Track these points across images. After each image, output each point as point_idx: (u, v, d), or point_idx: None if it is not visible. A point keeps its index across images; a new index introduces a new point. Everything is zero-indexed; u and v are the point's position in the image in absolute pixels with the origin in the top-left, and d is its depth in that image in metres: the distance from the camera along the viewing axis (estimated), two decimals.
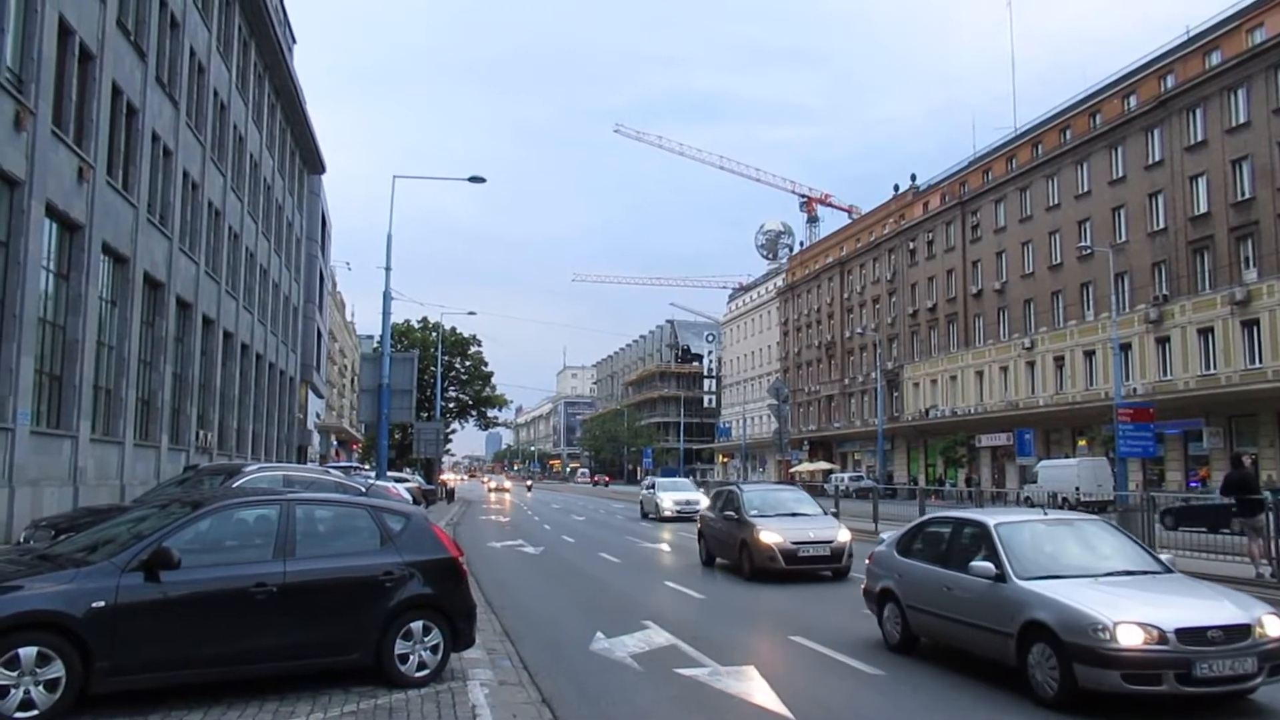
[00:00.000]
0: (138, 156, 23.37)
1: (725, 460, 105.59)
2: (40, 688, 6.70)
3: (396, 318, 68.71)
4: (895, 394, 67.88)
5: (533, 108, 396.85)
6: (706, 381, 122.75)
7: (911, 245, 67.91)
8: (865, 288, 75.29)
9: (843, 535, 16.05)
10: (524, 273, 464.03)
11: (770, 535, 15.71)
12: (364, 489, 12.42)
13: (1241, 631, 7.61)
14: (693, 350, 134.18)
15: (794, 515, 16.74)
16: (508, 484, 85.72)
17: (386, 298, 28.03)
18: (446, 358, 65.95)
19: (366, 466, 52.41)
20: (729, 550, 16.87)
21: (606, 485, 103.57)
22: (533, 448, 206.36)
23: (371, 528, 8.37)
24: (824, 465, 74.03)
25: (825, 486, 48.26)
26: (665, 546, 23.76)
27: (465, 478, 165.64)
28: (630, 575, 17.57)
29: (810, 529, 15.94)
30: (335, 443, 73.77)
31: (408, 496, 21.53)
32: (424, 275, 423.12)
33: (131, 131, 23.11)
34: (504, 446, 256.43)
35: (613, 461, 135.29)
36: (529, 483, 66.97)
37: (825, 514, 17.30)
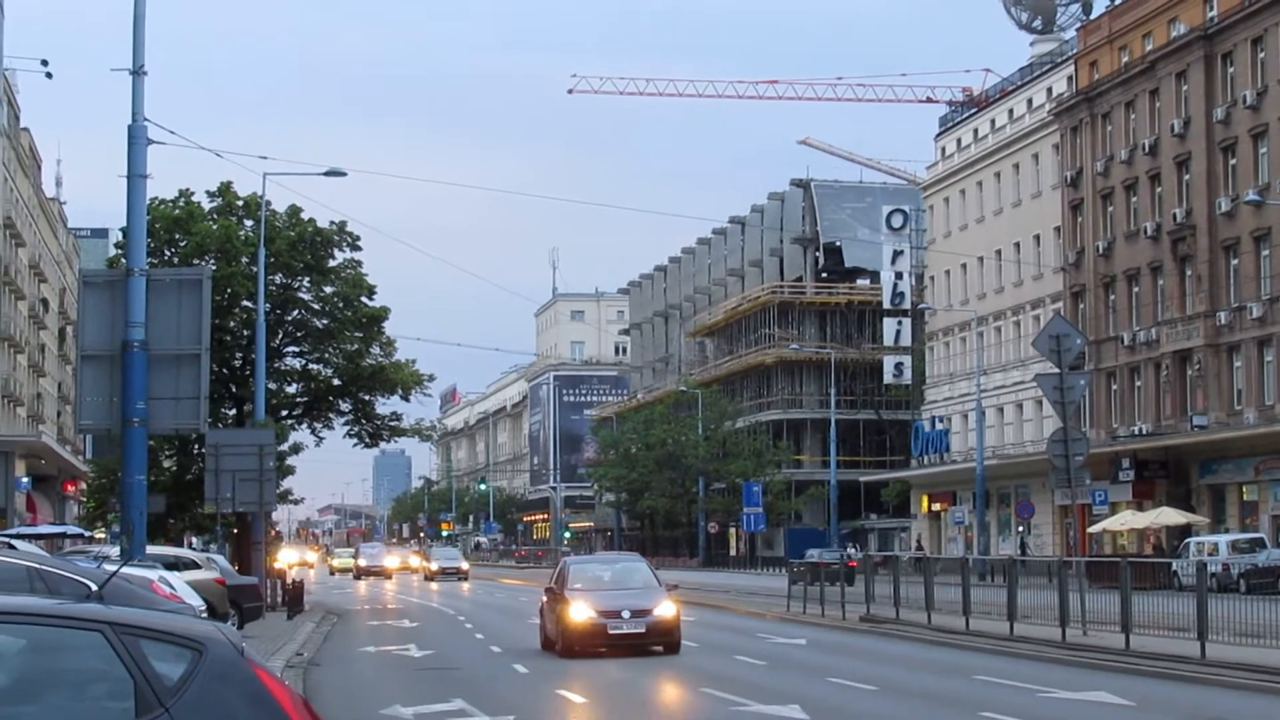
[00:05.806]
0: None
1: (942, 507, 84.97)
2: None
3: (164, 187, 55.38)
4: None
5: None
6: (888, 325, 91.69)
7: None
8: (1265, 92, 61.02)
9: None
10: (464, 87, 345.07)
11: None
12: (93, 586, 10.00)
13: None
14: (847, 258, 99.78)
15: None
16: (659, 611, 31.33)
17: (136, 138, 23.02)
18: (281, 278, 52.64)
19: (100, 535, 50.93)
20: None
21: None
22: (482, 485, 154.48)
23: (117, 675, 6.64)
24: (1175, 515, 61.46)
25: (1179, 569, 39.58)
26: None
27: (346, 563, 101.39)
28: None
29: None
30: (25, 480, 64.54)
31: (197, 602, 20.23)
32: (240, 96, 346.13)
33: None
34: (417, 485, 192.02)
35: (669, 514, 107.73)
36: None
37: None
